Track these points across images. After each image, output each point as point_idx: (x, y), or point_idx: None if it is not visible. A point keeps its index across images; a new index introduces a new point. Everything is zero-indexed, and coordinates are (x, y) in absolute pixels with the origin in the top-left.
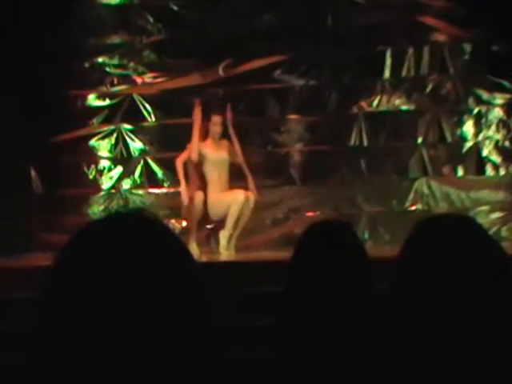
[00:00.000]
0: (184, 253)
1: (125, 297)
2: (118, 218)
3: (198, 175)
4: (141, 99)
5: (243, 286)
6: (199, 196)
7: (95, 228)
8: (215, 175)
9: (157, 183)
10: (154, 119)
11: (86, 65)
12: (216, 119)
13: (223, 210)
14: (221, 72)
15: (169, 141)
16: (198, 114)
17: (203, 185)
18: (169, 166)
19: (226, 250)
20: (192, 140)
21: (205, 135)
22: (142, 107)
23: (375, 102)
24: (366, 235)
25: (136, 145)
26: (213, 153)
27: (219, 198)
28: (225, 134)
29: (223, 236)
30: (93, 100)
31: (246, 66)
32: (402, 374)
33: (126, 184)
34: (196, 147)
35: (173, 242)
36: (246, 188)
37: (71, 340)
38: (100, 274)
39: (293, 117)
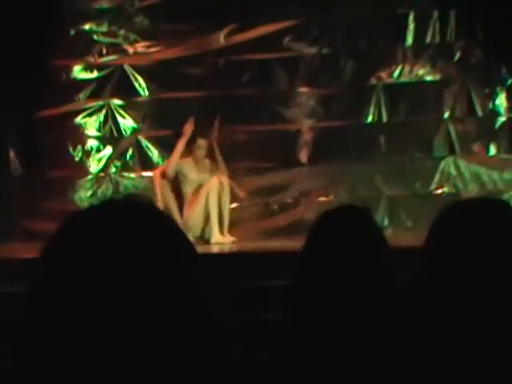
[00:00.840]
0: (185, 244)
1: (119, 294)
2: (110, 206)
3: (174, 191)
4: (133, 71)
5: (246, 279)
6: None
7: (86, 217)
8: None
9: (151, 165)
10: (147, 93)
11: (72, 32)
12: (201, 143)
13: (200, 221)
14: (222, 40)
15: (164, 118)
16: (187, 131)
17: (179, 202)
18: (164, 146)
19: (220, 241)
20: (172, 156)
21: (188, 153)
22: (133, 80)
23: (396, 72)
24: (386, 222)
25: (127, 122)
26: (194, 174)
27: (193, 208)
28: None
29: (213, 233)
30: (79, 72)
31: (251, 33)
32: (426, 366)
33: (117, 166)
34: (174, 165)
35: (172, 232)
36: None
37: (61, 338)
38: (92, 269)
39: (303, 89)
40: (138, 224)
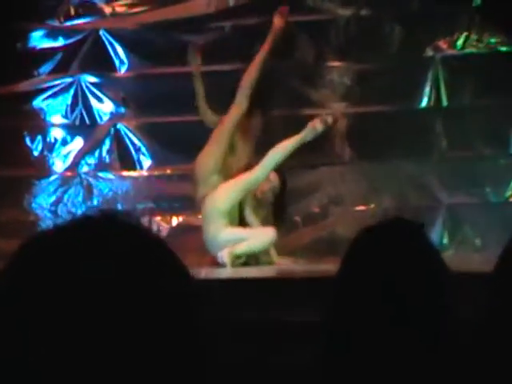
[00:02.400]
0: (184, 280)
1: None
2: (81, 228)
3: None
4: (110, 38)
5: (257, 312)
6: None
7: (47, 246)
8: None
9: (134, 163)
10: (129, 68)
11: None
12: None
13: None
14: None
15: (152, 99)
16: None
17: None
18: (152, 137)
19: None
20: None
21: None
22: (111, 50)
23: (460, 41)
24: (446, 240)
25: (103, 106)
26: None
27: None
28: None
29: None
30: (39, 39)
31: None
32: None
33: (89, 164)
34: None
35: (169, 265)
36: None
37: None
38: (57, 313)
39: (335, 64)
40: (120, 260)
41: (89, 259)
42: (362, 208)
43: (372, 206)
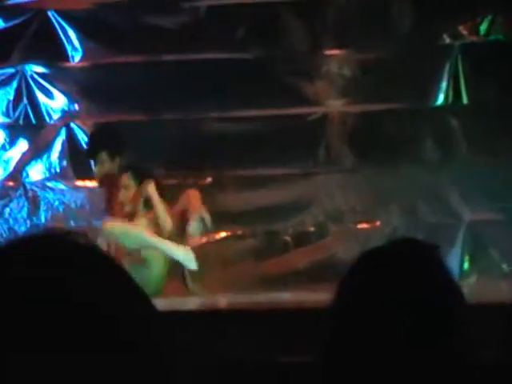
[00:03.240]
0: (144, 303)
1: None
2: (23, 251)
3: None
4: (60, 20)
5: (240, 350)
6: None
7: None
8: None
9: (89, 170)
10: (83, 56)
11: None
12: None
13: None
14: None
15: (110, 93)
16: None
17: None
18: None
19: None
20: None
21: None
22: (62, 34)
23: (483, 26)
24: (466, 264)
25: (53, 101)
26: None
27: None
28: None
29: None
30: None
31: None
32: None
33: (35, 172)
34: None
35: (128, 291)
36: None
37: None
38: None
39: (333, 52)
40: (75, 288)
41: (27, 290)
42: (365, 226)
43: (377, 223)
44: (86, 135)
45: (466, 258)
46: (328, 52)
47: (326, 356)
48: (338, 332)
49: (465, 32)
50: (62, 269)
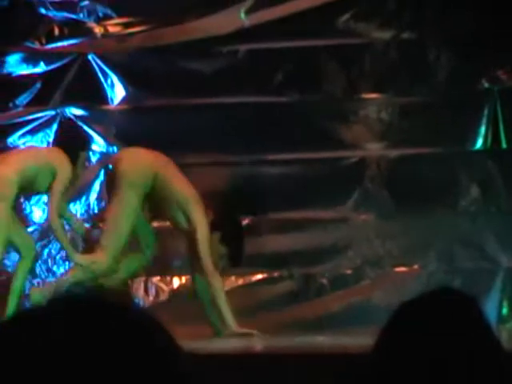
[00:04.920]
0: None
1: None
2: (67, 313)
3: None
4: (101, 63)
5: None
6: None
7: (18, 341)
8: None
9: None
10: (123, 99)
11: (4, 1)
12: None
13: None
14: (243, 16)
15: (149, 136)
16: None
17: None
18: None
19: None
20: None
21: None
22: (102, 77)
23: None
24: (506, 310)
25: (92, 144)
26: None
27: None
28: None
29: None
30: (16, 64)
31: (288, 7)
32: None
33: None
34: None
35: (162, 350)
36: None
37: None
38: None
39: (370, 96)
40: (106, 350)
41: (71, 349)
42: (402, 269)
43: (415, 267)
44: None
45: (505, 303)
46: (366, 96)
47: None
48: (378, 381)
49: (504, 76)
50: (103, 332)
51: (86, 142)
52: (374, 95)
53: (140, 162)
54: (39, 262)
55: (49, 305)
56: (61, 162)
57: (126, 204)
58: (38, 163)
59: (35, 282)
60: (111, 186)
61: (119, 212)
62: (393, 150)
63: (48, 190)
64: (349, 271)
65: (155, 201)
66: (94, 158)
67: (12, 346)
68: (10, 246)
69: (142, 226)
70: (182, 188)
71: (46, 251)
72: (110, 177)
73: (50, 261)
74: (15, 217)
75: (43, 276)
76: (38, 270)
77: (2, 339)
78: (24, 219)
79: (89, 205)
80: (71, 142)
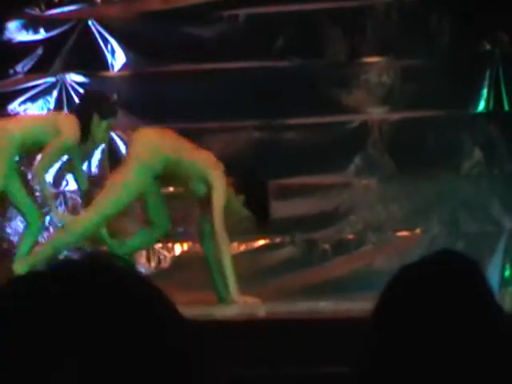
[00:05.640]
0: (181, 334)
1: None
2: (65, 277)
3: None
4: (101, 29)
5: (277, 364)
6: None
7: (28, 293)
8: None
9: None
10: (123, 65)
11: None
12: None
13: None
14: None
15: (150, 103)
16: None
17: None
18: None
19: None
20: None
21: None
22: (102, 43)
23: None
24: (508, 272)
25: None
26: None
27: None
28: None
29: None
30: (16, 31)
31: None
32: None
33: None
34: None
35: (163, 319)
36: None
37: None
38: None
39: (372, 60)
40: (105, 315)
41: (67, 316)
42: (404, 234)
43: (417, 231)
44: (125, 144)
45: (508, 265)
46: (367, 60)
47: (364, 367)
48: (378, 344)
49: (506, 38)
50: (103, 296)
51: (113, 110)
52: (375, 59)
53: (150, 144)
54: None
55: (46, 269)
56: (68, 127)
57: (131, 176)
58: (44, 126)
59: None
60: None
61: (121, 180)
62: (394, 114)
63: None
64: (351, 236)
65: (174, 177)
66: None
67: (9, 311)
68: (18, 212)
69: (158, 208)
70: (197, 159)
71: (47, 218)
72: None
73: (50, 228)
74: (21, 183)
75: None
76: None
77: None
78: (29, 188)
79: (90, 171)
80: (97, 109)
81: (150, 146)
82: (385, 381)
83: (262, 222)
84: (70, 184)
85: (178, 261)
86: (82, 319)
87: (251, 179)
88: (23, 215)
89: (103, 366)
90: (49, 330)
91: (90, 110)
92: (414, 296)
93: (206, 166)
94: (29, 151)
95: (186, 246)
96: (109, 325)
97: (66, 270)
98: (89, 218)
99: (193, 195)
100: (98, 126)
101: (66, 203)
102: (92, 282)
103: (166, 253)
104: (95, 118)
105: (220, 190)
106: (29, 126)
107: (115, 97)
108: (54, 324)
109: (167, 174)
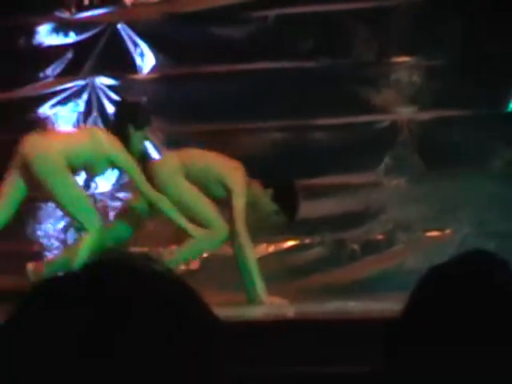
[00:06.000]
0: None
1: None
2: (98, 276)
3: None
4: (130, 32)
5: (306, 364)
6: None
7: (60, 295)
8: None
9: None
10: (153, 67)
11: None
12: None
13: None
14: None
15: (181, 106)
16: None
17: None
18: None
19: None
20: None
21: None
22: (132, 46)
23: None
24: None
25: None
26: None
27: None
28: None
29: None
30: (46, 34)
31: None
32: None
33: (105, 182)
34: None
35: (193, 317)
36: None
37: None
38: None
39: (401, 59)
40: (137, 315)
41: (104, 315)
42: (434, 234)
43: (447, 231)
44: (155, 147)
45: None
46: (396, 60)
47: (392, 368)
48: (407, 346)
49: None
50: (134, 296)
51: (148, 120)
52: (404, 58)
53: (168, 168)
54: (70, 231)
55: (82, 269)
56: (122, 153)
57: (183, 192)
58: (85, 142)
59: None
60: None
61: (186, 198)
62: (424, 114)
63: (101, 173)
64: (380, 236)
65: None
66: None
67: (43, 311)
68: (75, 221)
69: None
70: (214, 164)
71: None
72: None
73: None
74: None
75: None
76: (69, 239)
77: (35, 303)
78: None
79: (120, 173)
80: (132, 120)
81: (165, 168)
82: (413, 383)
83: (291, 216)
84: (100, 187)
85: (206, 262)
86: (118, 319)
87: (281, 180)
88: (80, 223)
89: (136, 366)
90: (83, 331)
91: (125, 121)
92: (444, 297)
93: (223, 170)
94: (74, 169)
95: None
96: (145, 326)
97: (104, 270)
98: (222, 233)
99: (214, 199)
100: (134, 136)
101: (95, 205)
102: (127, 284)
103: None
104: (130, 128)
105: (239, 193)
106: (72, 143)
107: (144, 99)
108: (88, 325)
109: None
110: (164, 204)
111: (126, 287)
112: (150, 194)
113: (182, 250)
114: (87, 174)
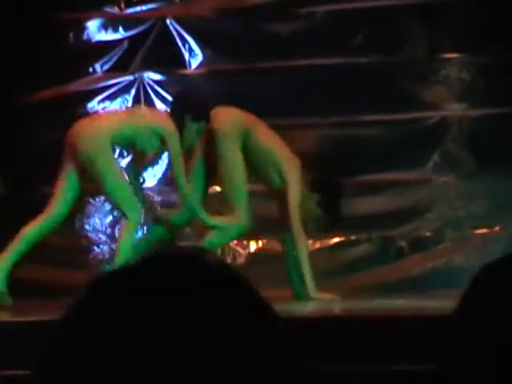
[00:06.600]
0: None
1: None
2: (156, 270)
3: None
4: (179, 28)
5: (353, 361)
6: None
7: (117, 292)
8: None
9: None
10: (202, 63)
11: None
12: None
13: None
14: None
15: (231, 101)
16: None
17: None
18: None
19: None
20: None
21: None
22: (180, 42)
23: None
24: None
25: None
26: None
27: None
28: None
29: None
30: (95, 30)
31: None
32: None
33: (152, 177)
34: None
35: (250, 307)
36: None
37: None
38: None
39: (451, 55)
40: (196, 307)
41: (162, 308)
42: (483, 231)
43: (496, 228)
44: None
45: None
46: (446, 56)
47: (443, 366)
48: (459, 344)
49: None
50: (192, 287)
51: (206, 114)
52: (454, 55)
53: (232, 116)
54: (119, 226)
55: (145, 262)
56: (168, 127)
57: (232, 160)
58: (138, 123)
59: None
60: (209, 146)
61: (230, 171)
62: (474, 110)
63: (153, 153)
64: (428, 233)
65: (250, 162)
66: None
67: (108, 303)
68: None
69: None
70: (276, 148)
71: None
72: (207, 137)
73: None
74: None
75: None
76: (117, 234)
77: (99, 296)
78: None
79: (166, 168)
80: (188, 111)
81: (229, 116)
82: (464, 382)
83: (331, 224)
84: (146, 181)
85: (252, 257)
86: (179, 314)
87: (328, 180)
88: (122, 210)
89: (203, 362)
90: (144, 328)
91: (181, 111)
92: (498, 295)
93: (283, 158)
94: (122, 148)
95: (260, 243)
96: (208, 321)
97: (163, 265)
98: (241, 221)
99: (267, 188)
100: (188, 128)
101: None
102: (188, 277)
103: (240, 249)
104: (187, 119)
105: (295, 186)
106: (119, 124)
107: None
108: (149, 322)
109: (248, 156)
110: (192, 197)
111: (199, 281)
112: (182, 184)
113: (210, 239)
114: (137, 153)
